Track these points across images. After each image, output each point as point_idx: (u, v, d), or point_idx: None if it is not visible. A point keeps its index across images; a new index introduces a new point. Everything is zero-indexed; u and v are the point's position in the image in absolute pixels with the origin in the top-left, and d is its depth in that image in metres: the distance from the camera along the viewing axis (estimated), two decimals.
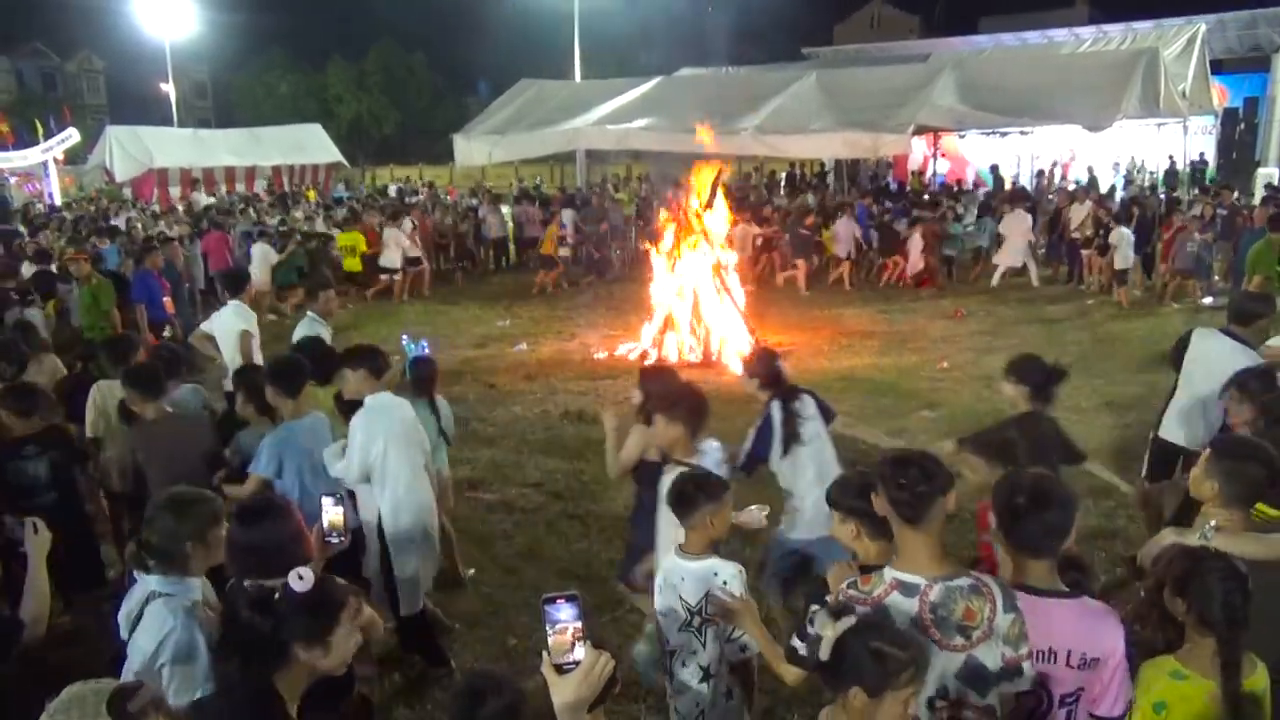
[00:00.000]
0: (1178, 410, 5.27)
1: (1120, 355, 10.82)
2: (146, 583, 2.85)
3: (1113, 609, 2.59)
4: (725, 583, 3.09)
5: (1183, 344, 5.32)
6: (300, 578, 2.36)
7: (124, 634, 2.86)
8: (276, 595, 2.38)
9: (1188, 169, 19.39)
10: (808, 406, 4.78)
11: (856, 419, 8.61)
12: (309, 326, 6.48)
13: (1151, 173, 22.14)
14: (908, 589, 2.39)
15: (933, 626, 2.35)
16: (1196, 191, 17.58)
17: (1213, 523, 2.96)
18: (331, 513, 3.14)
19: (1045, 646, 2.46)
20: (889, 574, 2.44)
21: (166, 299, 9.97)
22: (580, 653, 1.79)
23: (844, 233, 15.61)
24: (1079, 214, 15.13)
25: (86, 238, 14.71)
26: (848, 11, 62.59)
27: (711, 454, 4.04)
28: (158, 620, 2.74)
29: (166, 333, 9.74)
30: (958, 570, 2.42)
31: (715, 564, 3.15)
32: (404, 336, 6.61)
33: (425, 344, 6.42)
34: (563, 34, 33.24)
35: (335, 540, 3.14)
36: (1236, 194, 17.06)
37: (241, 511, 2.93)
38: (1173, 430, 5.30)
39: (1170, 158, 22.39)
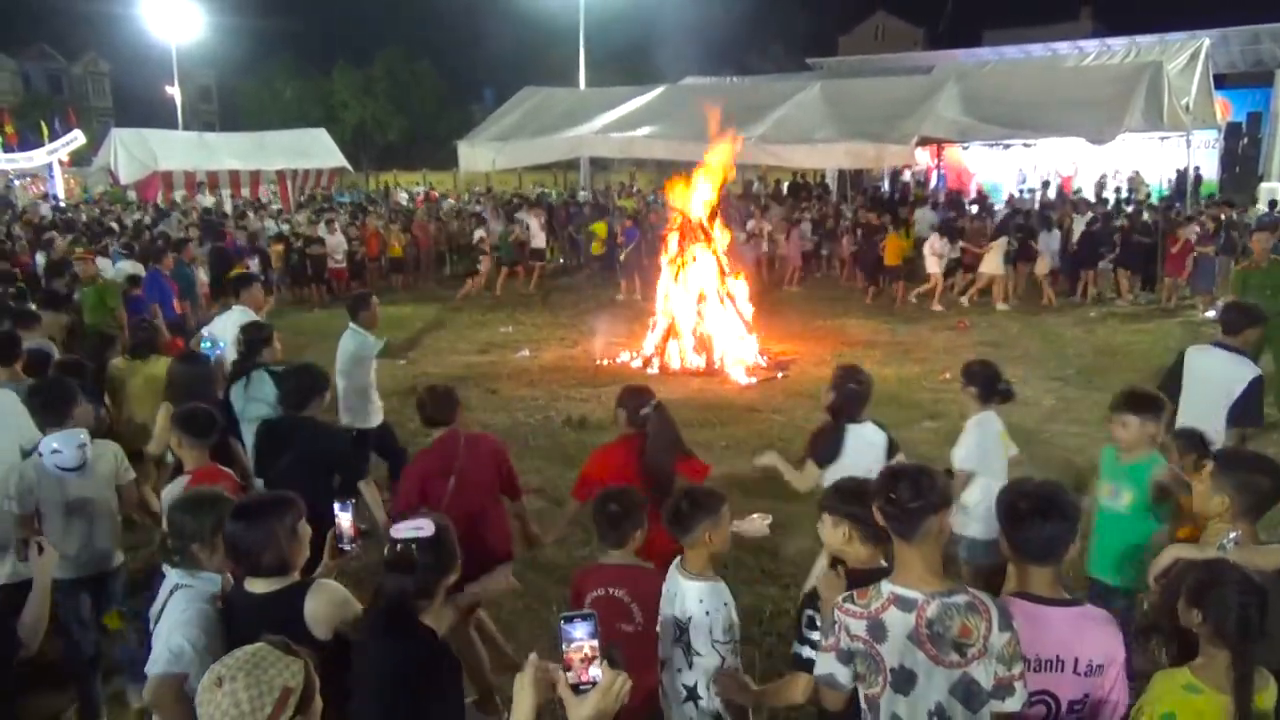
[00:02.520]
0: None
1: (1123, 367, 10.81)
2: (171, 576, 2.97)
3: (1111, 615, 2.60)
4: (708, 611, 3.04)
5: (1176, 369, 5.26)
6: (419, 528, 2.58)
7: (152, 627, 2.95)
8: (414, 548, 2.56)
9: (1192, 182, 19.39)
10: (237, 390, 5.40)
11: None
12: (353, 338, 6.47)
13: (1156, 187, 22.18)
14: (905, 603, 2.39)
15: (928, 642, 2.35)
16: (1199, 205, 17.63)
17: (1233, 534, 2.96)
18: (343, 519, 3.15)
19: (1053, 655, 2.46)
20: (886, 588, 2.43)
21: (176, 301, 10.00)
22: (596, 672, 1.80)
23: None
24: (1081, 226, 15.16)
25: (97, 240, 14.77)
26: (852, 23, 62.90)
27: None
28: (176, 609, 2.85)
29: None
30: (956, 587, 2.41)
31: (704, 588, 3.09)
32: (205, 333, 6.78)
33: (222, 346, 6.53)
34: (568, 42, 33.36)
35: (347, 546, 3.16)
36: (1235, 211, 17.13)
37: (240, 508, 2.95)
38: None
39: (1136, 172, 22.40)
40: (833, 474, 4.22)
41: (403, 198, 31.91)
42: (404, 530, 2.59)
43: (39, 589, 3.16)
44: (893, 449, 4.37)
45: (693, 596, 3.08)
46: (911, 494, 2.37)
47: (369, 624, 2.66)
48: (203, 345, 6.53)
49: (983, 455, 4.37)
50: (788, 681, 2.88)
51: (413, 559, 2.55)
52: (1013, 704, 2.36)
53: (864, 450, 4.28)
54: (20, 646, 3.08)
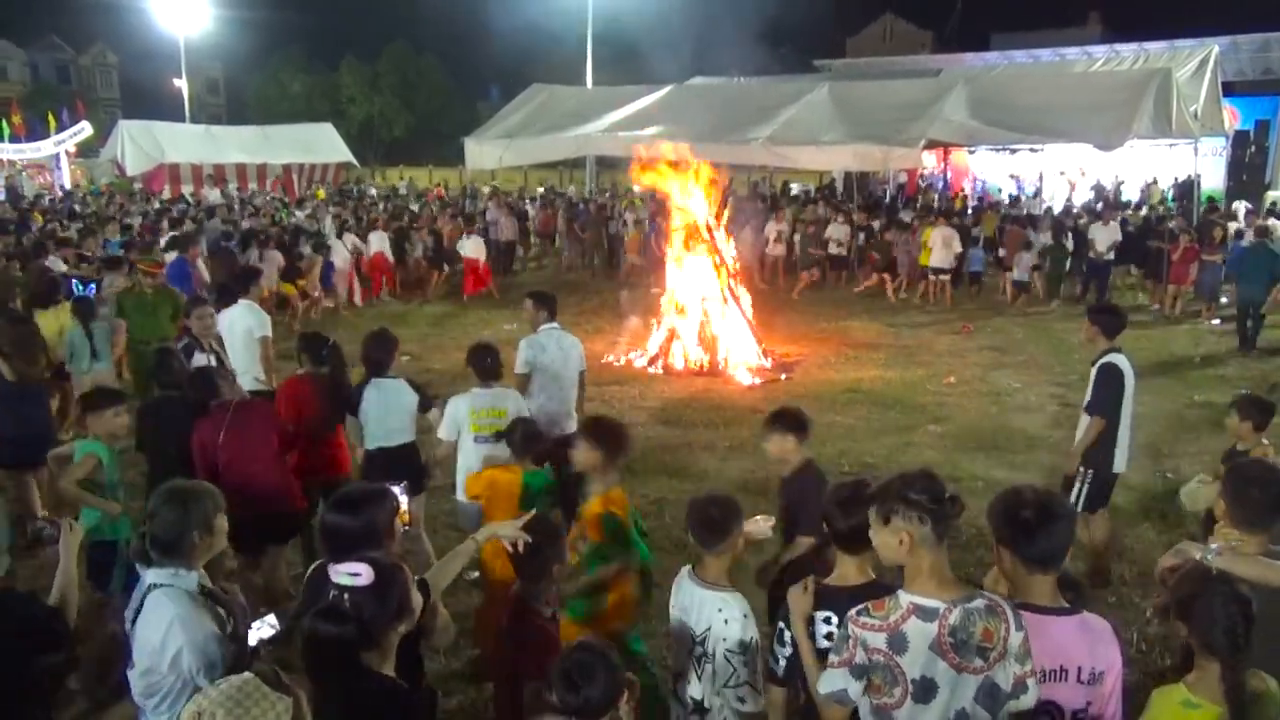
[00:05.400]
0: (1126, 441, 5.47)
1: None
2: (146, 576, 2.87)
3: (1109, 623, 2.58)
4: (727, 621, 2.97)
5: (1118, 381, 5.38)
6: (356, 574, 2.38)
7: (128, 628, 2.87)
8: (346, 599, 2.37)
9: (1198, 188, 19.37)
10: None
11: (862, 431, 8.64)
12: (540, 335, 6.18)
13: (1165, 194, 22.15)
14: (926, 613, 2.34)
15: (951, 650, 2.31)
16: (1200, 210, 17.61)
17: (1215, 545, 2.97)
18: (399, 502, 3.14)
19: (1056, 665, 2.44)
20: (905, 598, 2.38)
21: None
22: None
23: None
24: (1101, 234, 15.05)
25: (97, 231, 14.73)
26: (861, 25, 62.75)
27: None
28: (159, 610, 2.75)
29: None
30: (972, 592, 2.39)
31: (724, 598, 3.03)
32: (73, 281, 8.88)
33: (92, 287, 8.99)
34: (576, 40, 33.35)
35: (402, 529, 3.15)
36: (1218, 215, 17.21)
37: (339, 499, 2.96)
38: (1123, 462, 5.51)
39: (1155, 179, 22.35)
40: (369, 420, 5.17)
41: (372, 193, 31.74)
42: (340, 575, 2.39)
43: (66, 564, 3.15)
44: (425, 405, 5.33)
45: (711, 606, 3.02)
46: (948, 494, 2.35)
47: (308, 671, 2.43)
48: (76, 286, 8.53)
49: (456, 427, 5.15)
50: (768, 701, 2.88)
51: (343, 610, 2.35)
52: (1027, 701, 2.35)
53: (389, 399, 5.23)
54: (69, 627, 3.06)
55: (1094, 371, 5.49)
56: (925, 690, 2.33)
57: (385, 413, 5.24)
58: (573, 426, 5.99)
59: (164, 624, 2.71)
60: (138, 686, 2.77)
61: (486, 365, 5.24)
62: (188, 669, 2.68)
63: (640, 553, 3.85)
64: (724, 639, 2.97)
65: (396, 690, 2.45)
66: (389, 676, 2.45)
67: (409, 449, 5.38)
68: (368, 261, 15.88)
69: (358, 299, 15.36)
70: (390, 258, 16.24)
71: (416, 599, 2.56)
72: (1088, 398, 5.48)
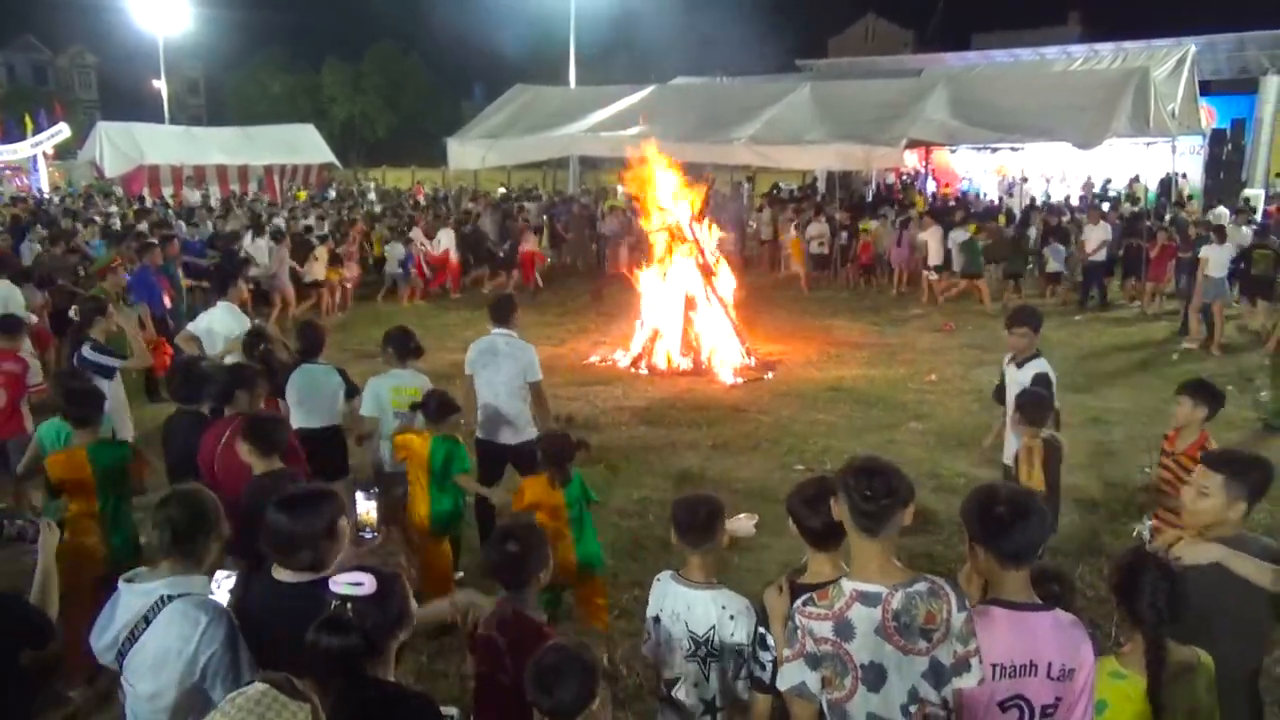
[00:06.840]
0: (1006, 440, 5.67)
1: (1107, 370, 10.91)
2: (147, 591, 2.73)
3: (1080, 620, 2.61)
4: (733, 617, 2.99)
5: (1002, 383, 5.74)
6: (358, 584, 2.32)
7: (107, 654, 2.73)
8: (349, 607, 2.32)
9: (1176, 187, 19.57)
10: None
11: (845, 429, 8.68)
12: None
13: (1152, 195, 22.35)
14: (869, 599, 2.37)
15: (896, 634, 2.34)
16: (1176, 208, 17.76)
17: (1149, 522, 3.04)
18: (364, 508, 3.10)
19: (1026, 660, 2.45)
20: (848, 586, 2.41)
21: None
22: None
23: None
24: (1093, 235, 15.14)
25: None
26: (843, 25, 63.05)
27: None
28: (187, 619, 2.65)
29: None
30: (914, 575, 2.42)
31: (723, 596, 3.05)
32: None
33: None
34: (559, 41, 33.31)
35: (368, 536, 3.11)
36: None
37: (283, 499, 2.89)
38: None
39: (1137, 176, 22.56)
40: (293, 402, 5.52)
41: (371, 196, 31.67)
42: (341, 585, 2.34)
43: (45, 562, 3.11)
44: (351, 392, 5.67)
45: (710, 605, 3.02)
46: (884, 490, 2.36)
47: (312, 677, 2.34)
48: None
49: (380, 407, 5.48)
50: (751, 710, 2.89)
51: (346, 620, 2.31)
52: (970, 679, 2.37)
53: (315, 383, 5.62)
54: (52, 624, 3.01)
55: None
56: (876, 677, 2.36)
57: (307, 396, 5.58)
58: (510, 437, 5.74)
59: (193, 633, 2.63)
60: (150, 704, 2.66)
61: (408, 347, 5.59)
62: (214, 675, 2.62)
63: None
64: (732, 634, 3.00)
65: (403, 696, 2.44)
66: (392, 683, 2.44)
67: (330, 432, 5.64)
68: (435, 258, 16.68)
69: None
70: (455, 256, 16.83)
71: (414, 605, 2.53)
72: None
